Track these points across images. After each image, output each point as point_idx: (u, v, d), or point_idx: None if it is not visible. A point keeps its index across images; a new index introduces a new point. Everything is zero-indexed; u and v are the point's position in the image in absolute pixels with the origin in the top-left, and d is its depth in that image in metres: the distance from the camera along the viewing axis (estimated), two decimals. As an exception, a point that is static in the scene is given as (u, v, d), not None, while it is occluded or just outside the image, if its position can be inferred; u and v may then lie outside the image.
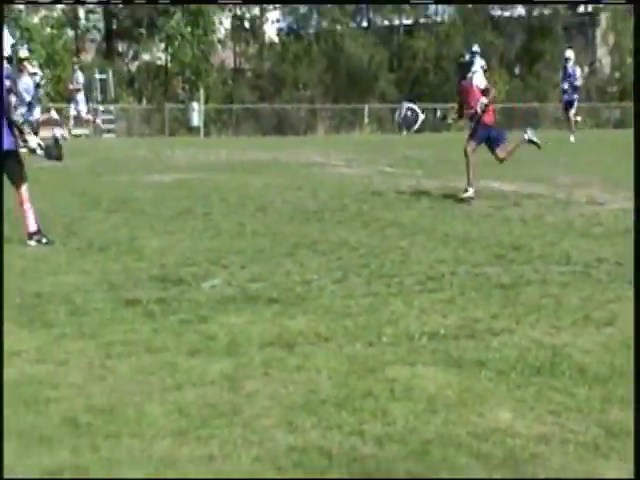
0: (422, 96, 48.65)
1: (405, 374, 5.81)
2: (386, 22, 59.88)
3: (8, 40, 10.93)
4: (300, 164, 21.14)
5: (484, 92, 15.06)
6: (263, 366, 5.96)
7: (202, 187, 16.29)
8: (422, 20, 57.49)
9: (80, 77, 32.49)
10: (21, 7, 58.16)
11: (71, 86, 32.39)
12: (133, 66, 58.75)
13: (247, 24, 58.38)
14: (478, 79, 15.34)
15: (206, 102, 43.93)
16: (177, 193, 15.61)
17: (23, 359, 6.12)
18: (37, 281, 8.44)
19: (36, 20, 55.10)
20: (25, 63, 18.94)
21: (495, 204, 14.10)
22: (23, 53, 19.36)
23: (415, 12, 57.82)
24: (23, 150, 11.06)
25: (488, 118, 15.09)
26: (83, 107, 32.18)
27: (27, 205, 10.69)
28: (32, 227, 10.63)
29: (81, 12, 58.58)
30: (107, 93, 45.02)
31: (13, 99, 10.73)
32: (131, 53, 59.92)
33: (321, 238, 10.96)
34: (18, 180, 10.70)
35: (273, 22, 58.97)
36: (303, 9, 57.81)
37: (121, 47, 60.25)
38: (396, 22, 59.33)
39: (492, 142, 15.21)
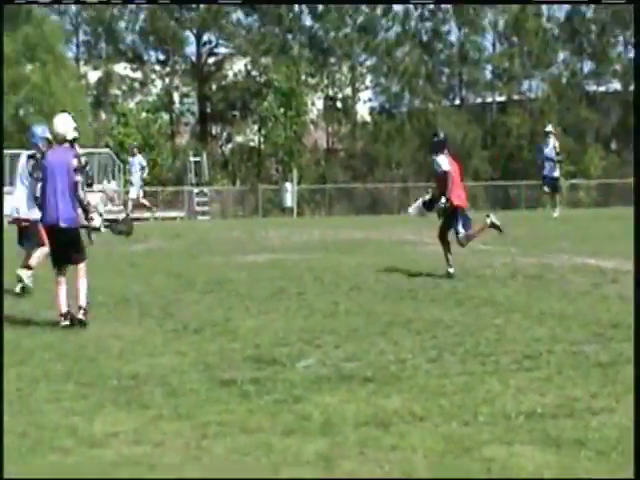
0: (516, 173, 48.56)
1: (502, 454, 5.72)
2: (479, 99, 60.03)
3: (70, 123, 11.18)
4: (393, 243, 21.12)
5: (445, 174, 15.19)
6: (358, 445, 5.92)
7: (296, 267, 16.36)
8: (515, 97, 57.50)
9: (142, 160, 33.10)
10: (117, 92, 59.75)
11: (132, 169, 32.90)
12: (227, 148, 59.70)
13: (339, 104, 58.98)
14: (442, 161, 15.41)
15: (299, 182, 44.34)
16: (271, 273, 15.69)
17: (120, 440, 6.17)
18: (133, 363, 8.53)
19: (132, 105, 56.48)
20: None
21: (592, 281, 13.89)
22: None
23: (509, 89, 57.87)
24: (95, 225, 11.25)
25: (458, 202, 15.31)
26: (138, 191, 32.62)
27: (81, 283, 10.81)
28: (64, 308, 10.71)
29: (176, 96, 59.87)
30: (201, 175, 45.75)
31: (79, 178, 10.96)
32: (225, 135, 60.93)
33: (415, 317, 10.90)
34: (76, 258, 10.86)
35: (365, 102, 59.50)
36: (395, 88, 58.23)
37: (215, 130, 61.32)
38: (489, 99, 59.45)
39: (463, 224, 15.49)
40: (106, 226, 13.47)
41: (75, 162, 10.86)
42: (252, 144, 58.70)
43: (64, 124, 10.99)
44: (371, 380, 7.67)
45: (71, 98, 51.09)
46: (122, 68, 59.97)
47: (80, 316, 10.57)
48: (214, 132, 61.01)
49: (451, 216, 15.49)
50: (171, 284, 14.51)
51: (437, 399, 7.04)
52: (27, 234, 13.93)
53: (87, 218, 11.32)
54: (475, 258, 17.54)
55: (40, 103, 50.18)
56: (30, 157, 13.98)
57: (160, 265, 17.32)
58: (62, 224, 10.69)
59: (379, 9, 57.60)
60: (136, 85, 60.29)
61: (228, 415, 6.71)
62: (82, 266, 10.87)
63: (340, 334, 9.82)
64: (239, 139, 59.84)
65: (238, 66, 59.59)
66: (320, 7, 57.78)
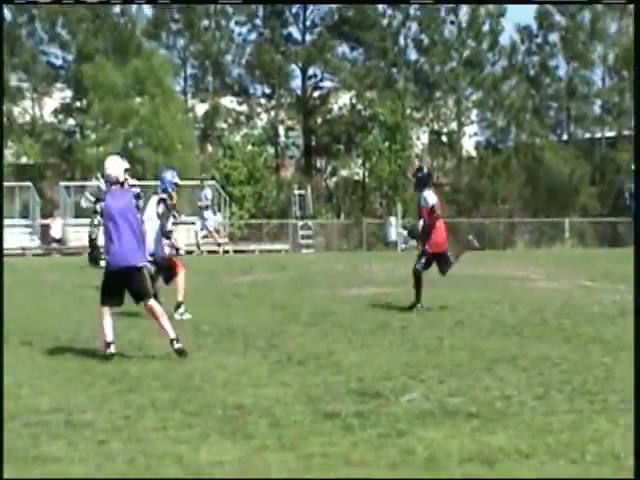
0: (625, 210, 47.76)
1: (611, 494, 5.61)
2: (587, 134, 59.28)
3: (122, 165, 11.34)
4: (498, 278, 20.96)
5: (431, 210, 15.33)
6: (463, 482, 5.86)
7: (399, 301, 16.32)
8: (626, 132, 56.67)
9: (208, 194, 33.45)
10: (224, 125, 60.53)
11: (200, 203, 33.26)
12: (331, 181, 59.93)
13: (444, 138, 58.85)
14: (429, 195, 15.46)
15: (403, 217, 44.27)
16: (374, 307, 15.69)
17: (226, 470, 6.21)
18: (238, 393, 8.58)
19: (238, 138, 57.14)
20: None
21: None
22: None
23: (619, 124, 57.08)
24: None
25: (436, 250, 15.56)
26: (211, 223, 33.06)
27: (162, 318, 10.88)
28: (110, 337, 10.78)
29: (281, 129, 60.40)
30: (306, 208, 46.00)
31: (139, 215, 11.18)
32: (329, 169, 61.19)
33: (520, 353, 10.78)
34: (142, 295, 10.98)
35: (470, 136, 59.25)
36: (501, 122, 57.93)
37: (319, 163, 61.63)
38: (598, 134, 58.69)
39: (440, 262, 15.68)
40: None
41: (135, 202, 11.11)
42: (356, 178, 58.86)
43: (116, 166, 11.18)
44: (476, 416, 7.60)
45: (179, 131, 51.97)
46: (228, 101, 60.74)
47: (178, 345, 10.69)
48: (319, 165, 61.33)
49: (428, 260, 15.74)
50: (275, 316, 14.60)
51: (544, 437, 6.93)
52: (162, 270, 14.65)
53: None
54: (583, 295, 17.30)
55: (149, 136, 51.15)
56: (161, 200, 14.78)
57: (265, 297, 17.46)
58: (132, 263, 10.86)
59: (485, 44, 57.38)
60: (242, 118, 60.98)
61: (332, 447, 6.71)
62: (151, 302, 11.04)
63: (444, 369, 9.76)
64: (344, 173, 60.05)
65: (343, 100, 59.88)
66: (426, 41, 57.84)
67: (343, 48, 60.66)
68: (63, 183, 48.07)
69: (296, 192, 46.97)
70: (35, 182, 45.00)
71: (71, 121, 58.97)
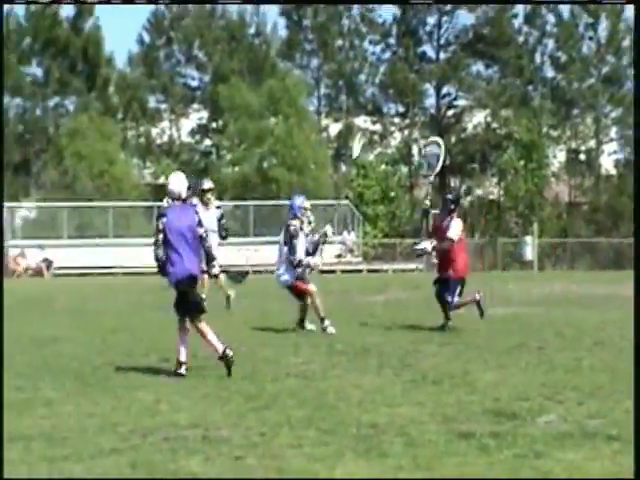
0: None
1: None
2: None
3: (184, 181, 11.39)
4: None
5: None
6: (603, 507, 5.72)
7: (536, 321, 16.09)
8: None
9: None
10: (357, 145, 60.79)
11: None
12: (466, 201, 59.64)
13: (582, 156, 57.95)
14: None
15: (540, 236, 43.73)
16: (510, 327, 15.49)
17: (360, 488, 6.19)
18: (373, 412, 8.56)
19: (371, 157, 57.32)
20: (209, 195, 19.42)
21: None
22: (207, 185, 19.95)
23: None
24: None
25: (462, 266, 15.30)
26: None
27: (209, 335, 10.98)
28: (184, 357, 10.89)
29: (415, 149, 60.35)
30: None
31: (202, 230, 11.24)
32: (464, 188, 60.87)
33: (663, 375, 10.48)
34: (197, 310, 11.10)
35: (610, 154, 58.24)
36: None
37: (453, 182, 61.40)
38: None
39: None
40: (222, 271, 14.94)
41: (197, 218, 11.18)
42: (491, 197, 58.44)
43: (179, 182, 11.26)
44: (617, 438, 7.40)
45: (312, 151, 52.45)
46: (362, 121, 61.01)
47: (230, 353, 10.81)
48: (453, 184, 61.10)
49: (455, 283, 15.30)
50: (409, 335, 14.54)
51: (687, 461, 6.72)
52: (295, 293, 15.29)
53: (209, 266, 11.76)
54: None
55: (283, 155, 51.73)
56: (287, 227, 15.20)
57: (398, 316, 17.42)
58: (193, 275, 11.06)
59: (625, 59, 56.37)
60: (375, 137, 61.15)
61: (467, 467, 6.62)
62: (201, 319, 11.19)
63: (583, 390, 9.55)
64: (478, 192, 59.68)
65: (478, 118, 59.60)
66: (563, 58, 57.11)
67: (478, 66, 60.47)
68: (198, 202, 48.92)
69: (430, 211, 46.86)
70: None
71: (207, 141, 60.07)
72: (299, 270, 15.15)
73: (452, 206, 15.47)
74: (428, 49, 60.42)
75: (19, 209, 49.03)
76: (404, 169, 59.34)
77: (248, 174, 52.46)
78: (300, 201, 15.52)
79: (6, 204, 48.60)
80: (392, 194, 52.61)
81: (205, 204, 18.95)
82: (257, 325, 15.48)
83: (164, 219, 10.97)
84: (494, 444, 7.26)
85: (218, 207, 19.66)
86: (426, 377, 10.47)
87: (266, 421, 8.16)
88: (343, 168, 60.70)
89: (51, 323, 16.08)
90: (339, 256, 35.65)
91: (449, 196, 15.82)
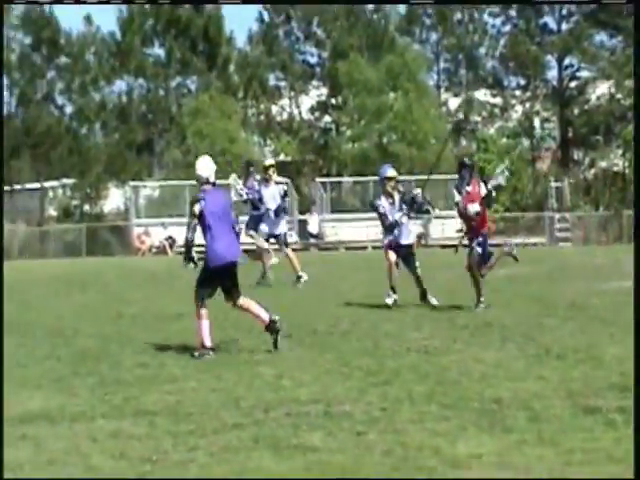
0: None
1: None
2: None
3: (211, 165, 11.31)
4: None
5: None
6: None
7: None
8: None
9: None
10: (477, 118, 60.18)
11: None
12: (589, 173, 58.58)
13: None
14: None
15: (666, 207, 42.65)
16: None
17: (483, 463, 6.13)
18: (495, 387, 8.47)
19: (492, 131, 56.69)
20: (270, 172, 19.50)
21: None
22: (268, 162, 20.17)
23: None
24: None
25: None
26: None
27: (253, 308, 11.04)
28: (208, 342, 10.81)
29: (536, 121, 59.49)
30: (562, 201, 45.14)
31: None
32: (587, 160, 59.79)
33: None
34: (238, 291, 11.11)
35: None
36: None
37: (577, 155, 60.34)
38: None
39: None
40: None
41: (231, 201, 11.64)
42: (616, 169, 57.29)
43: (206, 167, 11.20)
44: None
45: (432, 125, 52.06)
46: (482, 94, 60.36)
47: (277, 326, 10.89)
48: (576, 157, 60.08)
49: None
50: (532, 309, 14.36)
51: None
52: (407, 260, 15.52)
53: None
54: None
55: (403, 131, 51.50)
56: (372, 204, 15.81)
57: (521, 290, 17.24)
58: (234, 259, 11.07)
59: None
60: (496, 111, 60.46)
61: (593, 443, 6.50)
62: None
63: None
64: (602, 164, 58.58)
65: (601, 89, 58.39)
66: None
67: (601, 36, 59.15)
68: (319, 179, 49.11)
69: (553, 184, 46.21)
70: (292, 178, 46.09)
71: (327, 118, 60.15)
72: (389, 237, 15.21)
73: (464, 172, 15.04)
74: (550, 20, 59.39)
75: (143, 188, 49.93)
76: (525, 142, 58.57)
77: (368, 150, 52.36)
78: (382, 171, 15.64)
79: (130, 183, 49.64)
80: (513, 168, 52.00)
81: (266, 180, 19.34)
82: (374, 301, 15.45)
83: (202, 203, 10.96)
84: (621, 419, 7.13)
85: (278, 183, 19.88)
86: (550, 351, 10.33)
87: (387, 396, 8.15)
88: (463, 142, 60.17)
89: (175, 300, 16.34)
90: (460, 231, 35.27)
91: (468, 161, 15.42)
